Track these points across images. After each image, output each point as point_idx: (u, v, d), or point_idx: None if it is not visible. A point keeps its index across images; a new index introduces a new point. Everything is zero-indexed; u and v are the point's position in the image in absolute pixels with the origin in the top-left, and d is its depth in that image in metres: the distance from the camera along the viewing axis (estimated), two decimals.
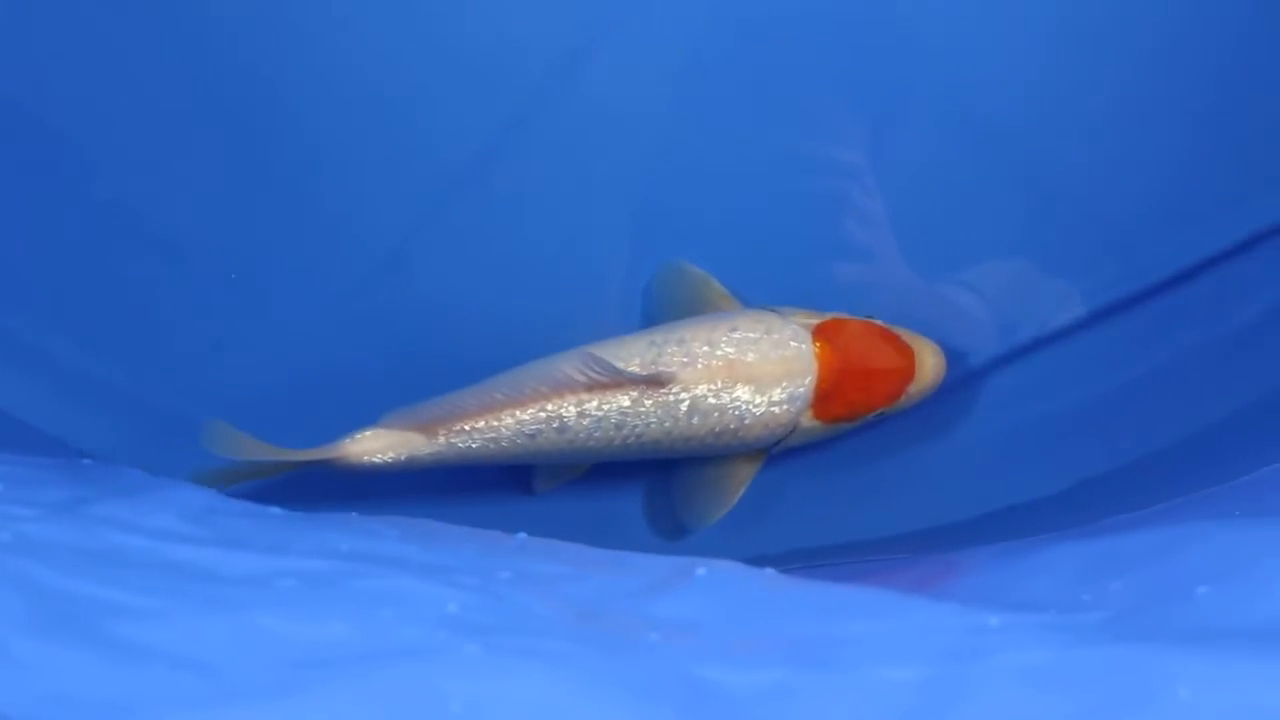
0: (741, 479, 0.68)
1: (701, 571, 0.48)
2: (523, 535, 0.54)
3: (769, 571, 0.48)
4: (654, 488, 0.71)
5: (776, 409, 0.64)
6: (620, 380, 0.63)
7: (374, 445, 0.64)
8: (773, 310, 0.66)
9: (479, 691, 0.37)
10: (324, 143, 0.70)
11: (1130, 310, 0.71)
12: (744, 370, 0.64)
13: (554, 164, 0.71)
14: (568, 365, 0.63)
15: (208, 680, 0.38)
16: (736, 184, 0.71)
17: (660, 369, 0.63)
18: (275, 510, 0.53)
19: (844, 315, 0.67)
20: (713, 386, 0.64)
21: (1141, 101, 0.71)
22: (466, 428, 0.64)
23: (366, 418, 0.66)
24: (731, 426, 0.64)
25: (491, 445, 0.64)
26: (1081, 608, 0.49)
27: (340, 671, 0.38)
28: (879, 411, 0.67)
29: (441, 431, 0.64)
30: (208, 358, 0.71)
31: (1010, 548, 0.57)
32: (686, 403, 0.64)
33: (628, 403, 0.63)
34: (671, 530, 0.71)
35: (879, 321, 0.67)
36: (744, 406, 0.64)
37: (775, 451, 0.67)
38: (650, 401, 0.63)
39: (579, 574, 0.48)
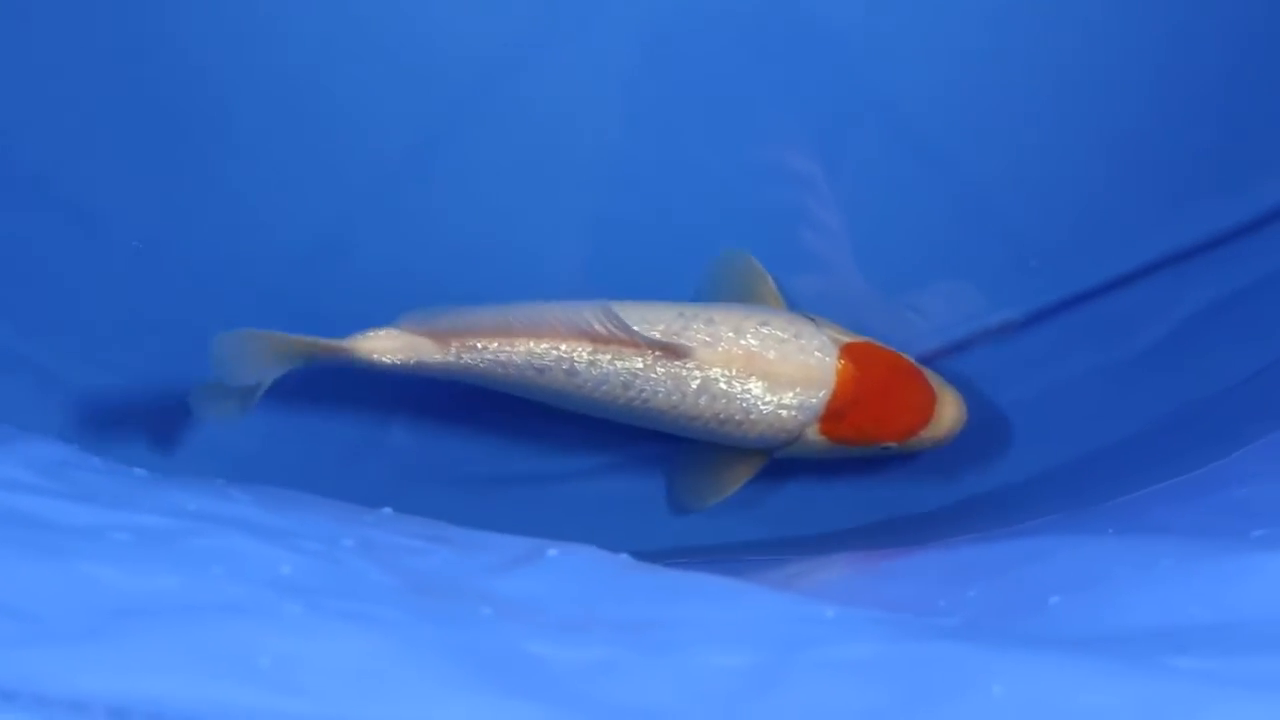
0: (741, 473, 0.67)
1: (553, 553, 0.47)
2: (387, 510, 0.53)
3: (623, 557, 0.48)
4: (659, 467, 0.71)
5: (784, 412, 0.64)
6: (636, 340, 0.62)
7: (385, 345, 0.64)
8: (811, 318, 0.66)
9: (291, 648, 0.37)
10: (258, 126, 0.70)
11: (1032, 329, 0.71)
12: (762, 365, 0.63)
13: (496, 168, 0.71)
14: (589, 312, 0.62)
15: (23, 623, 0.37)
16: (686, 191, 0.71)
17: (681, 341, 0.63)
18: (139, 471, 0.53)
19: (879, 343, 0.66)
20: (727, 372, 0.63)
21: (1066, 122, 0.71)
22: (479, 345, 0.63)
23: (295, 402, 0.66)
24: (736, 418, 0.64)
25: (499, 370, 0.64)
26: (937, 612, 0.49)
27: (158, 621, 0.38)
28: (885, 445, 0.66)
29: (454, 342, 0.64)
30: (127, 330, 0.70)
31: (882, 553, 0.57)
32: (698, 380, 0.63)
33: (640, 365, 0.63)
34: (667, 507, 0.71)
35: (911, 359, 0.67)
36: (753, 400, 0.64)
37: (778, 455, 0.67)
38: (662, 369, 0.63)
39: (430, 548, 0.48)
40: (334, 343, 0.64)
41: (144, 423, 0.70)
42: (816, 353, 0.64)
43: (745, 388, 0.64)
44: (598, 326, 0.63)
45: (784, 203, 0.71)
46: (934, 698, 0.36)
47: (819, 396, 0.64)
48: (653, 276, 0.70)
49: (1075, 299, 0.71)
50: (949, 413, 0.66)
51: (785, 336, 0.64)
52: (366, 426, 0.71)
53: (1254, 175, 0.70)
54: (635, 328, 0.63)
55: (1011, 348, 0.71)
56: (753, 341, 0.64)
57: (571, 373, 0.63)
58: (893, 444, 0.66)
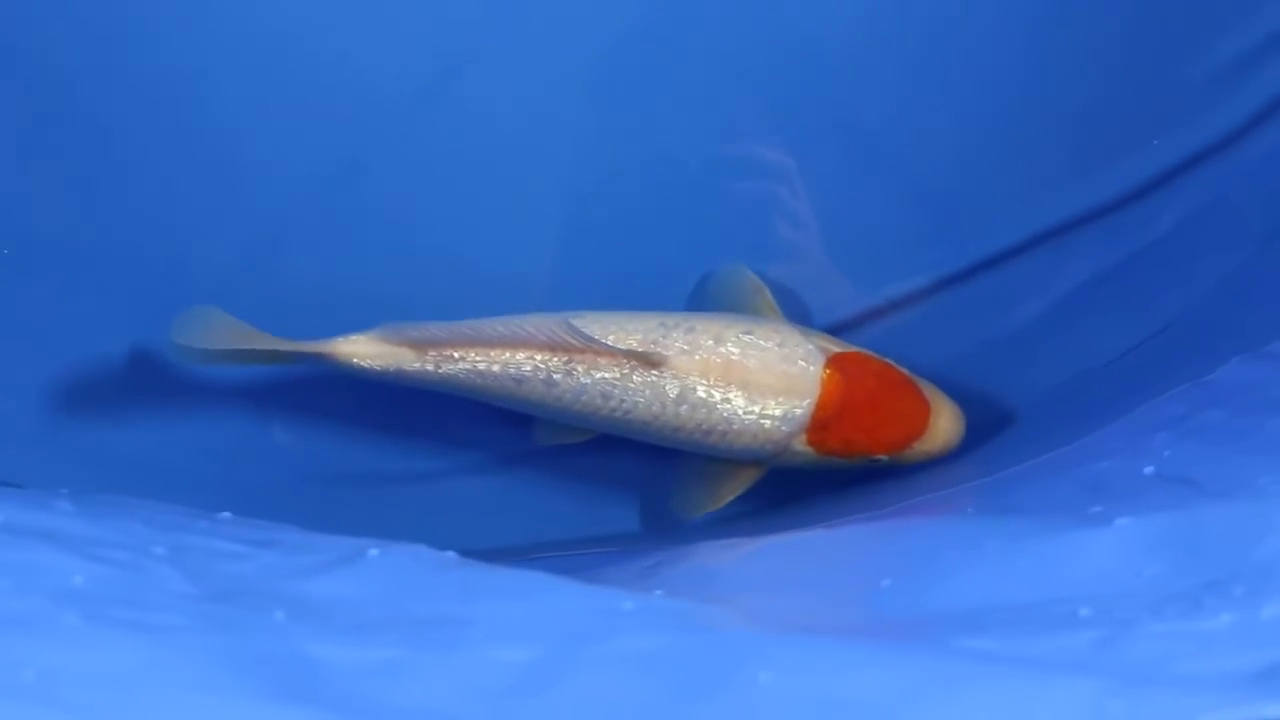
0: (735, 484, 0.67)
1: (374, 553, 0.47)
2: (226, 514, 0.53)
3: (449, 555, 0.48)
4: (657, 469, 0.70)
5: (767, 422, 0.63)
6: (609, 351, 0.62)
7: (363, 349, 0.64)
8: (800, 328, 0.65)
9: (59, 660, 0.36)
10: (197, 128, 0.69)
11: (908, 308, 0.70)
12: (741, 373, 0.63)
13: (443, 175, 0.70)
14: (559, 324, 0.62)
15: None
16: (659, 186, 0.71)
17: (657, 350, 0.62)
18: None
19: (870, 353, 0.65)
20: (705, 381, 0.63)
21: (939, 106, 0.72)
22: (456, 355, 0.63)
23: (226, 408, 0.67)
24: (719, 428, 0.63)
25: (477, 379, 0.64)
26: (777, 598, 0.49)
27: None
28: (875, 458, 0.65)
29: (432, 351, 0.64)
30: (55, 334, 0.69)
31: (733, 543, 0.56)
32: (676, 389, 0.63)
33: (615, 375, 0.63)
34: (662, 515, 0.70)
35: (904, 369, 0.66)
36: (734, 410, 0.63)
37: (774, 466, 0.66)
38: (639, 379, 0.63)
39: (251, 553, 0.47)
40: (312, 345, 0.64)
41: (18, 430, 0.69)
42: (801, 361, 0.64)
43: (724, 397, 0.63)
44: (569, 338, 0.62)
45: (744, 199, 0.71)
46: (705, 687, 0.36)
47: (803, 406, 0.63)
48: (614, 282, 0.70)
49: (951, 278, 0.70)
50: (944, 425, 0.66)
51: (768, 345, 0.64)
52: (248, 427, 0.70)
53: (1120, 154, 0.70)
54: (613, 337, 0.63)
55: (888, 326, 0.70)
56: (733, 350, 0.63)
57: (549, 383, 0.63)
58: (882, 456, 0.65)
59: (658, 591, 0.50)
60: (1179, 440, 0.57)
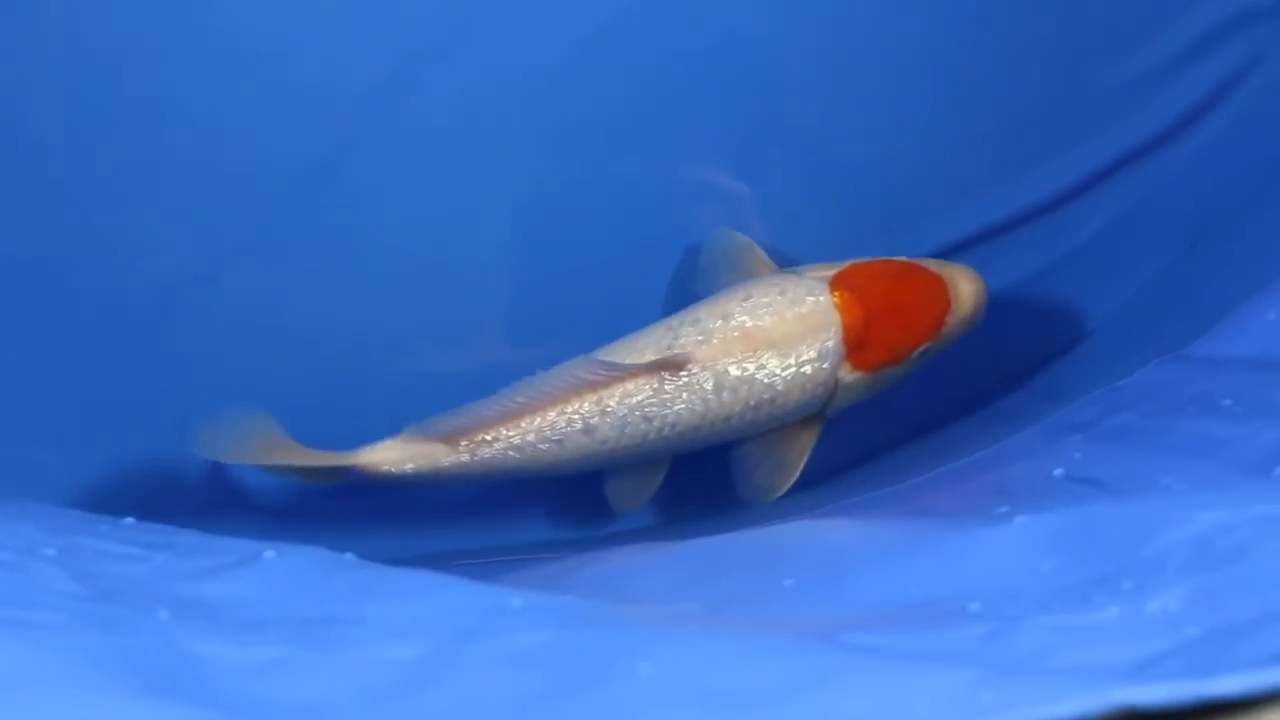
0: (801, 448, 0.65)
1: (270, 554, 0.46)
2: (129, 520, 0.52)
3: (347, 557, 0.47)
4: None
5: (808, 368, 0.62)
6: (633, 371, 0.61)
7: (393, 455, 0.63)
8: (791, 271, 0.64)
9: None
10: (124, 155, 0.69)
11: None
12: (762, 336, 0.62)
13: (413, 189, 0.70)
14: (577, 367, 0.61)
15: None
16: (612, 207, 0.71)
17: (674, 353, 0.61)
18: None
19: (865, 259, 0.64)
20: (733, 358, 0.61)
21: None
22: (489, 436, 0.62)
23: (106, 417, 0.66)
24: (766, 396, 0.62)
25: (515, 455, 0.62)
26: (687, 599, 0.48)
27: None
28: (923, 349, 0.64)
29: (464, 442, 0.62)
30: None
31: (649, 546, 0.56)
32: (710, 380, 0.61)
33: (649, 392, 0.61)
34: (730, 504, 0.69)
35: (902, 258, 0.64)
36: (771, 373, 0.62)
37: (830, 414, 0.65)
38: (672, 386, 0.61)
39: (146, 555, 0.47)
40: (338, 457, 0.62)
41: None
42: (808, 298, 0.62)
43: (758, 364, 0.62)
44: (590, 375, 0.61)
45: (697, 221, 0.71)
46: (584, 680, 0.36)
47: (833, 336, 0.62)
48: (570, 306, 0.70)
49: None
50: (966, 289, 0.64)
51: (772, 299, 0.62)
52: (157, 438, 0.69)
53: (1044, 159, 0.71)
54: (628, 360, 0.61)
55: None
56: (744, 319, 0.62)
57: (589, 430, 0.62)
58: (928, 344, 0.64)
59: (567, 594, 0.50)
60: (1090, 443, 0.57)
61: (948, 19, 0.70)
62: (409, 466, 0.62)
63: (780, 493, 0.65)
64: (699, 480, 0.70)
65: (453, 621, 0.40)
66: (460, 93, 0.69)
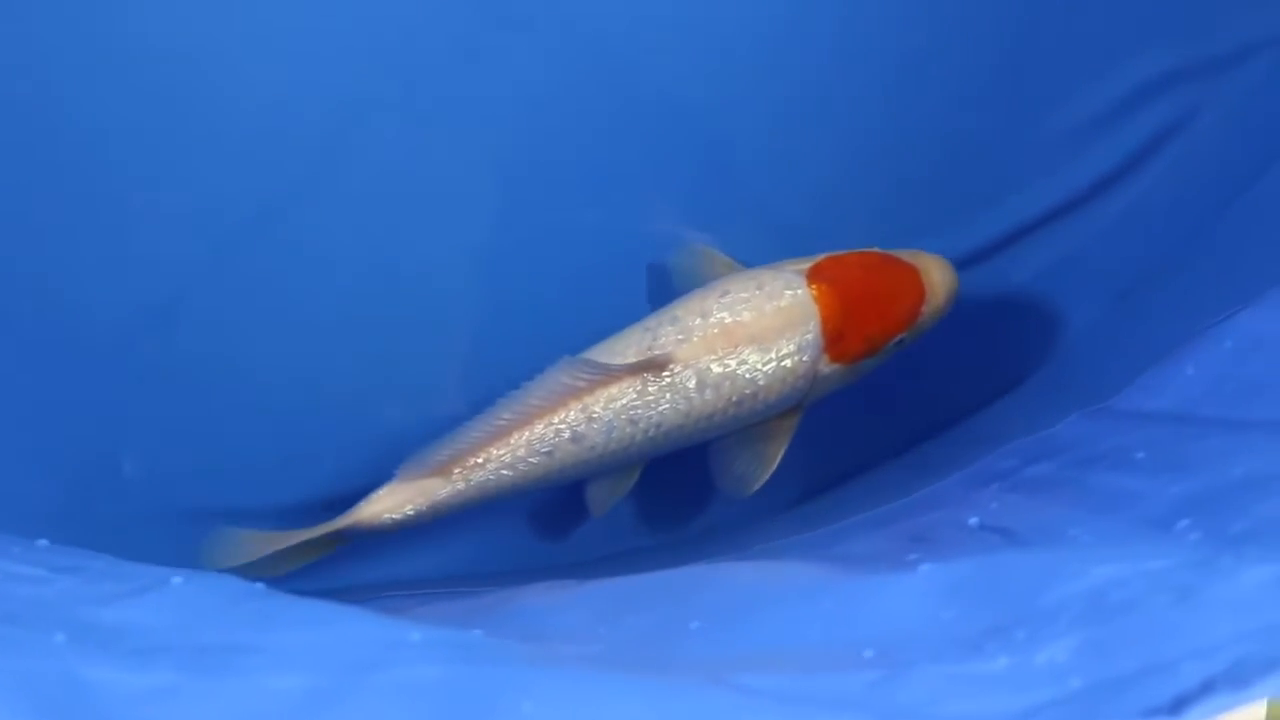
0: (780, 439, 0.65)
1: (177, 580, 0.46)
2: (43, 541, 0.52)
3: (258, 586, 0.47)
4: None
5: (788, 362, 0.62)
6: (617, 375, 0.61)
7: (392, 502, 0.62)
8: (765, 266, 0.64)
9: None
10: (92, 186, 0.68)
11: None
12: (742, 332, 0.61)
13: (373, 232, 0.70)
14: (560, 373, 0.60)
15: None
16: (560, 253, 0.71)
17: (655, 353, 0.61)
18: None
19: (839, 252, 0.64)
20: (714, 355, 0.61)
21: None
22: (480, 460, 0.62)
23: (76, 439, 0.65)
24: (748, 391, 0.62)
25: (510, 473, 0.62)
26: (594, 639, 0.48)
27: None
28: (899, 339, 0.64)
29: (456, 469, 0.62)
30: None
31: (564, 584, 0.56)
32: (693, 378, 0.61)
33: (633, 395, 0.61)
34: (706, 501, 0.70)
35: (876, 249, 0.65)
36: (753, 368, 0.62)
37: (807, 404, 0.65)
38: (655, 387, 0.61)
39: (52, 578, 0.47)
40: (342, 521, 0.62)
41: None
42: (786, 291, 0.63)
43: (739, 360, 0.62)
44: (575, 382, 0.61)
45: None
46: (470, 716, 0.36)
47: (811, 330, 0.62)
48: (530, 347, 0.68)
49: None
50: (938, 278, 0.65)
51: (749, 294, 0.62)
52: (95, 460, 0.69)
53: (977, 209, 0.71)
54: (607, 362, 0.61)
55: None
56: (723, 315, 0.62)
57: (577, 438, 0.62)
58: (904, 334, 0.64)
59: (477, 630, 0.50)
60: (1007, 492, 0.58)
61: (882, 68, 0.71)
62: (409, 509, 0.62)
63: (759, 484, 0.65)
64: (644, 513, 0.71)
65: (350, 653, 0.40)
66: (416, 136, 0.69)
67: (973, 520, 0.56)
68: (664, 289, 0.68)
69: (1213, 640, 0.37)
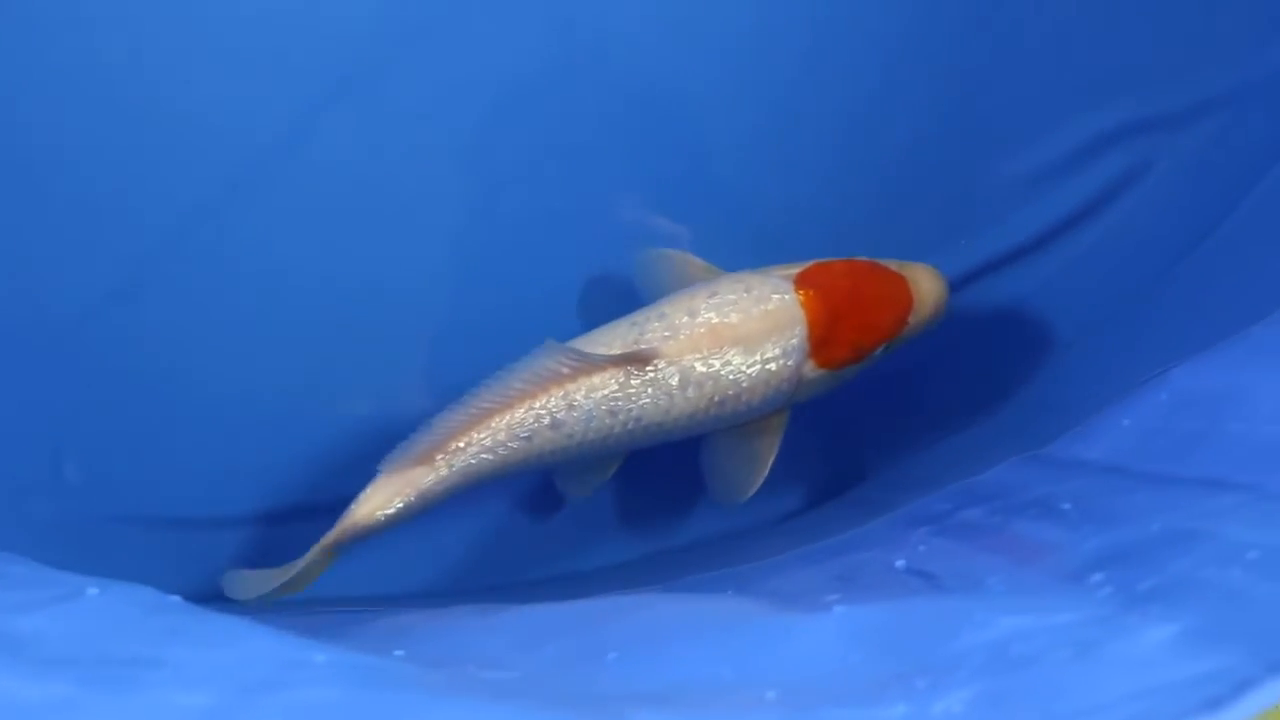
0: (770, 443, 0.65)
1: (93, 591, 0.46)
2: None
3: (174, 599, 0.47)
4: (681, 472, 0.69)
5: (772, 365, 0.62)
6: (601, 365, 0.61)
7: (381, 498, 0.62)
8: (754, 271, 0.64)
9: None
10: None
11: None
12: (729, 333, 0.62)
13: (343, 221, 0.70)
14: (544, 359, 0.61)
15: None
16: (546, 246, 0.71)
17: (640, 346, 0.61)
18: None
19: (828, 259, 0.65)
20: (699, 354, 0.61)
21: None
22: (461, 444, 0.61)
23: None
24: (730, 393, 0.62)
25: (491, 456, 0.62)
26: (511, 666, 0.48)
27: None
28: (884, 346, 0.64)
29: (439, 456, 0.62)
30: None
31: (486, 608, 0.56)
32: (676, 376, 0.61)
33: (615, 386, 0.61)
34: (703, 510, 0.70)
35: (864, 258, 0.65)
36: (737, 369, 0.62)
37: (799, 402, 0.65)
38: (638, 381, 0.61)
39: None
40: (335, 532, 0.62)
41: None
42: (774, 295, 0.63)
43: (724, 361, 0.62)
44: (557, 368, 0.61)
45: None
46: None
47: (797, 335, 0.63)
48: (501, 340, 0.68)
49: None
50: (927, 288, 0.65)
51: (736, 296, 0.63)
52: (36, 462, 0.69)
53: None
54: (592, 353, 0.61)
55: None
56: (710, 315, 0.62)
57: (556, 425, 0.62)
58: (890, 341, 0.65)
59: (398, 651, 0.50)
60: (935, 536, 0.58)
61: (842, 102, 0.71)
62: (398, 502, 0.61)
63: (753, 490, 0.65)
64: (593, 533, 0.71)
65: (252, 672, 0.40)
66: (385, 127, 0.69)
67: (899, 562, 0.56)
68: (641, 284, 0.68)
69: (1107, 698, 0.37)
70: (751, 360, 0.62)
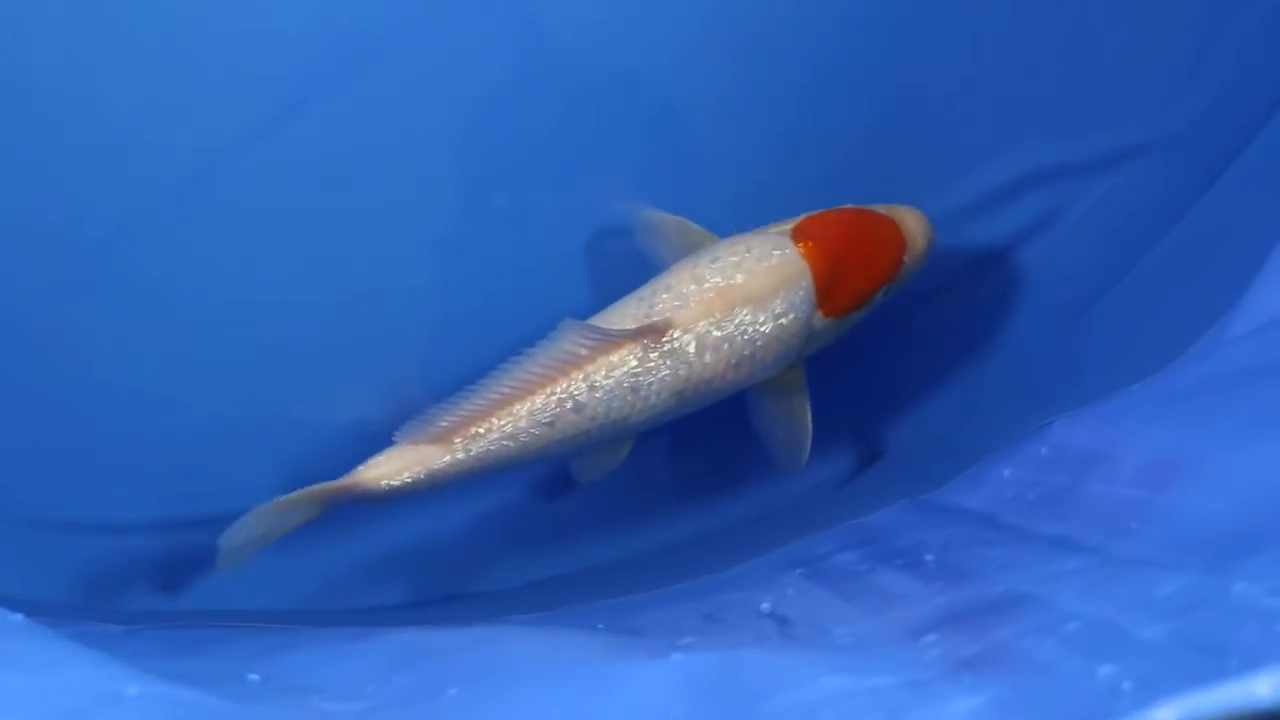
0: (799, 394, 0.66)
1: None
2: None
3: (16, 619, 0.48)
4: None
5: (784, 320, 0.62)
6: (619, 341, 0.61)
7: (390, 468, 0.62)
8: (748, 232, 0.64)
9: None
10: None
11: None
12: (738, 293, 0.62)
13: (332, 217, 0.69)
14: (563, 339, 0.60)
15: None
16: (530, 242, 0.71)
17: (654, 319, 0.61)
18: None
19: (816, 211, 0.65)
20: (713, 319, 0.61)
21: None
22: (481, 430, 0.61)
23: None
24: (746, 353, 0.62)
25: (511, 443, 0.61)
26: (358, 697, 0.48)
27: None
28: (885, 289, 0.65)
29: (457, 438, 0.62)
30: None
31: (356, 631, 0.56)
32: (692, 343, 0.61)
33: (634, 362, 0.61)
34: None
35: (850, 205, 0.65)
36: (750, 328, 0.62)
37: (805, 358, 0.65)
38: (656, 354, 0.61)
39: None
40: (339, 484, 0.62)
41: None
42: (775, 252, 0.63)
43: (737, 322, 0.62)
44: (577, 348, 0.61)
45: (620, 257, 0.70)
46: None
47: (804, 286, 0.63)
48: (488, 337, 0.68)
49: None
50: (914, 228, 0.66)
51: (738, 257, 0.63)
52: None
53: None
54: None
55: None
56: (716, 279, 0.62)
57: (579, 408, 0.62)
58: (890, 284, 0.66)
59: (253, 675, 0.51)
60: (806, 579, 0.58)
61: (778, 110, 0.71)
62: (406, 476, 0.61)
63: (808, 450, 0.66)
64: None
65: (63, 702, 0.40)
66: (367, 127, 0.69)
67: (765, 605, 0.56)
68: (631, 272, 0.67)
69: None
70: (764, 317, 0.62)
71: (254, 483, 0.68)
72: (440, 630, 0.55)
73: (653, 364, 0.61)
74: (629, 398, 0.62)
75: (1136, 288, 0.70)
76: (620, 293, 0.65)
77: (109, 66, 0.67)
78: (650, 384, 0.62)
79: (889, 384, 0.73)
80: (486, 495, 0.70)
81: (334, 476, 0.62)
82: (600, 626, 0.60)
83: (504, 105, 0.69)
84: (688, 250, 0.65)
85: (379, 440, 0.63)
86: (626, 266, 0.68)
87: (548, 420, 0.61)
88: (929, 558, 0.54)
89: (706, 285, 0.62)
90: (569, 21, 0.69)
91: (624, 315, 0.63)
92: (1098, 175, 0.72)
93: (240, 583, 0.67)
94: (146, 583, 0.70)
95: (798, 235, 0.64)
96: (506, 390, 0.61)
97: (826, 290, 0.63)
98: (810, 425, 0.66)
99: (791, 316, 0.63)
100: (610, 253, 0.70)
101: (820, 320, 0.64)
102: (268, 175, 0.68)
